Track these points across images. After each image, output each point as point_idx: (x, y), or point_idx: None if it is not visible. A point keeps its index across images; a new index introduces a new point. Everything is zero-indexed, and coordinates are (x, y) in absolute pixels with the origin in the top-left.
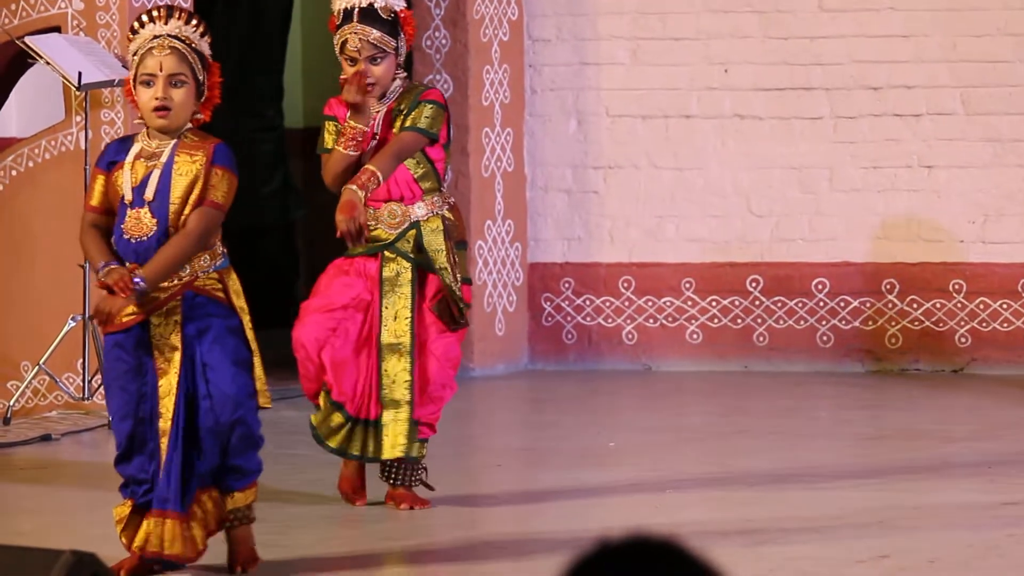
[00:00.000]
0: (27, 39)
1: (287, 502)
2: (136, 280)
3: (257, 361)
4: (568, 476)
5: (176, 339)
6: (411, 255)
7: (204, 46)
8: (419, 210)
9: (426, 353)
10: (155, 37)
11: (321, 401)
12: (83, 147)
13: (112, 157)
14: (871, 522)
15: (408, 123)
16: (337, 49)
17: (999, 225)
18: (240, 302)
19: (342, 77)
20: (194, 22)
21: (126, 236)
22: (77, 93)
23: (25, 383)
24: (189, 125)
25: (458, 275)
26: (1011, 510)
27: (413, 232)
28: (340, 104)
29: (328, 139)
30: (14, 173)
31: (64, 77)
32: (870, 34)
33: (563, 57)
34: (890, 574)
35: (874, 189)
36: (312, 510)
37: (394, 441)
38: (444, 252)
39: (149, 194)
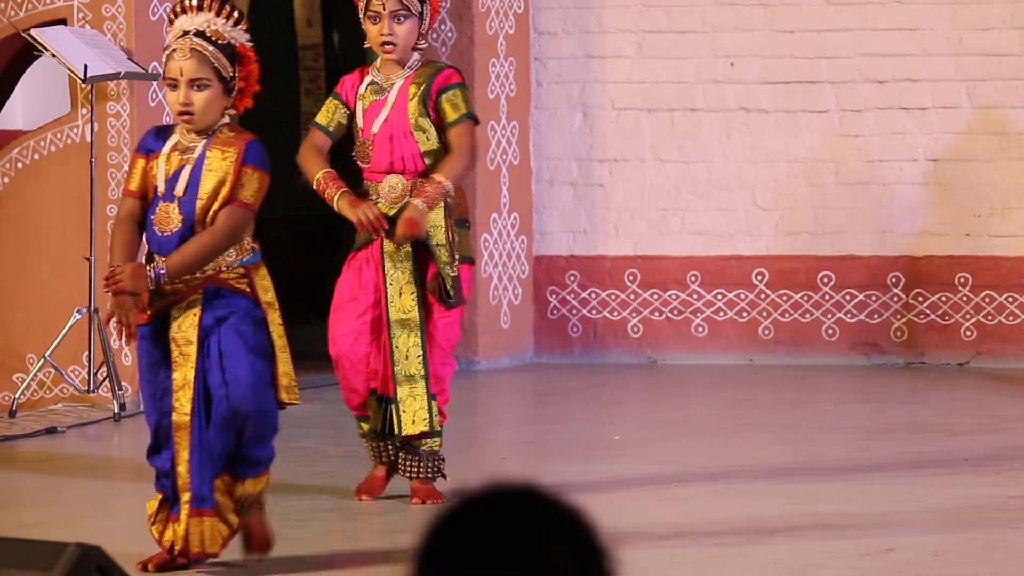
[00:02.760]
0: (33, 31)
1: (293, 495)
2: (160, 271)
3: (285, 357)
4: (573, 469)
5: (192, 333)
6: None
7: (238, 36)
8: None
9: (427, 333)
10: (180, 36)
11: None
12: (89, 140)
13: (150, 145)
14: (876, 515)
15: (454, 116)
16: (361, 11)
17: (1005, 219)
18: (267, 297)
19: (366, 44)
20: (226, 11)
21: (155, 227)
22: (83, 85)
23: (31, 376)
24: (226, 119)
25: (456, 254)
26: (1016, 503)
27: None
28: (351, 84)
29: (324, 115)
30: (20, 166)
31: (70, 69)
32: (876, 27)
33: (569, 50)
34: (895, 567)
35: (880, 182)
36: (318, 503)
37: (413, 416)
38: (443, 229)
39: (179, 189)
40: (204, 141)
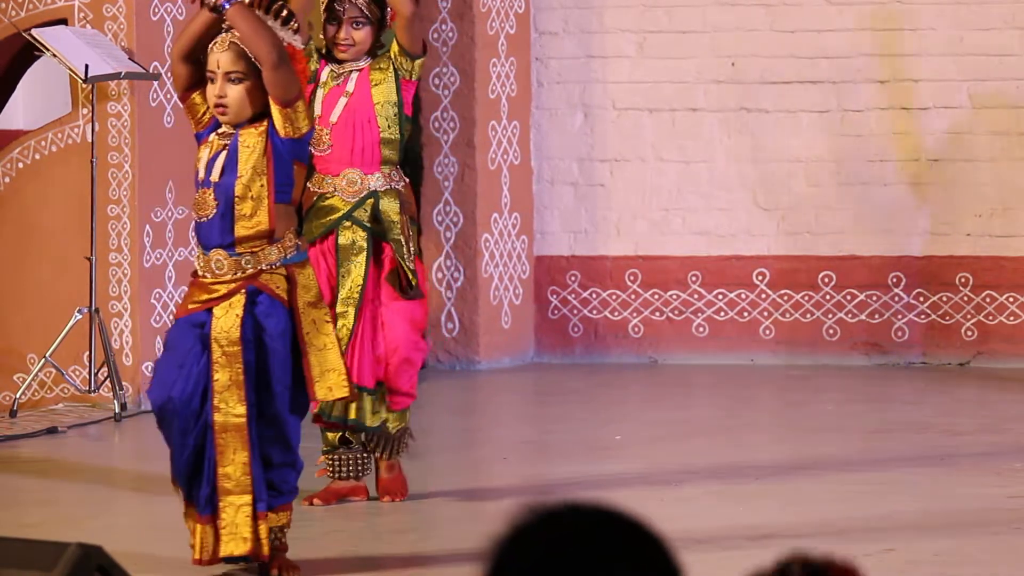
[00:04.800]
0: (34, 31)
1: None
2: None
3: (325, 355)
4: (574, 469)
5: (236, 332)
6: (367, 224)
7: (284, 35)
8: (377, 181)
9: (390, 320)
10: (227, 30)
11: None
12: (90, 140)
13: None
14: (876, 515)
15: (393, 46)
16: (322, 11)
17: (1005, 219)
18: (308, 297)
19: (320, 38)
20: (275, 9)
21: (194, 212)
22: (84, 85)
23: (31, 376)
24: None
25: (411, 247)
26: (1017, 503)
27: (371, 201)
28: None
29: None
30: (20, 166)
31: (71, 69)
32: (877, 27)
33: (569, 50)
34: (896, 567)
35: (880, 182)
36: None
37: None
38: (399, 224)
39: (215, 175)
40: (239, 126)
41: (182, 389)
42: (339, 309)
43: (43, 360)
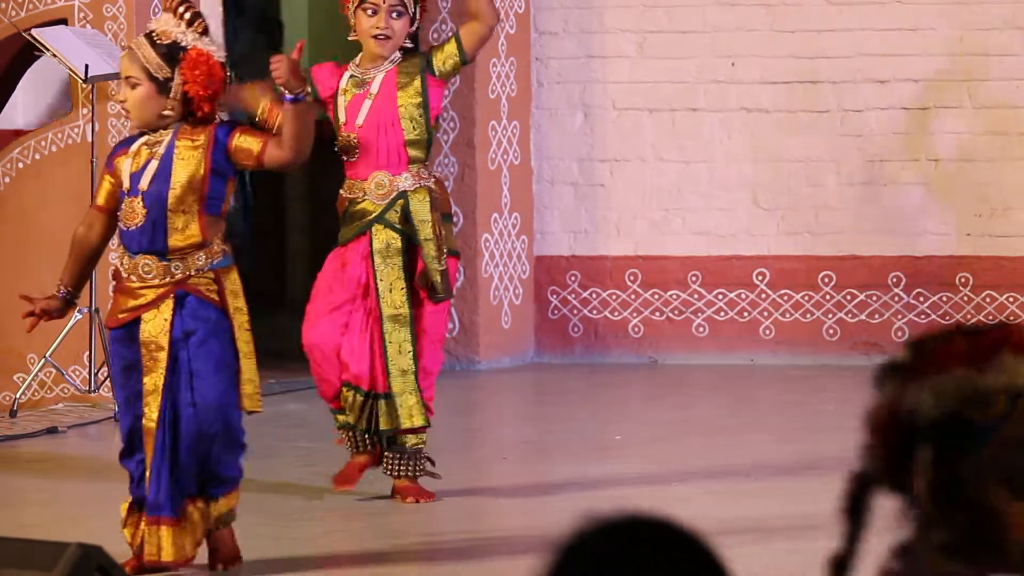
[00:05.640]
0: (34, 31)
1: (292, 495)
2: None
3: (250, 364)
4: (574, 469)
5: (163, 338)
6: (398, 226)
7: (187, 38)
8: (406, 181)
9: (418, 329)
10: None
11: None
12: (90, 139)
13: (114, 153)
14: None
15: (453, 45)
16: (354, 2)
17: (1006, 219)
18: (237, 302)
19: (351, 35)
20: (179, 13)
21: (121, 224)
22: (83, 85)
23: (31, 376)
24: (168, 115)
25: (444, 247)
26: None
27: (401, 202)
28: (325, 79)
29: None
30: (20, 166)
31: (71, 69)
32: (877, 27)
33: (569, 50)
34: None
35: (880, 182)
36: (317, 503)
37: (410, 411)
38: (430, 223)
39: (144, 183)
40: (171, 133)
41: (141, 406)
42: (387, 312)
43: (43, 360)
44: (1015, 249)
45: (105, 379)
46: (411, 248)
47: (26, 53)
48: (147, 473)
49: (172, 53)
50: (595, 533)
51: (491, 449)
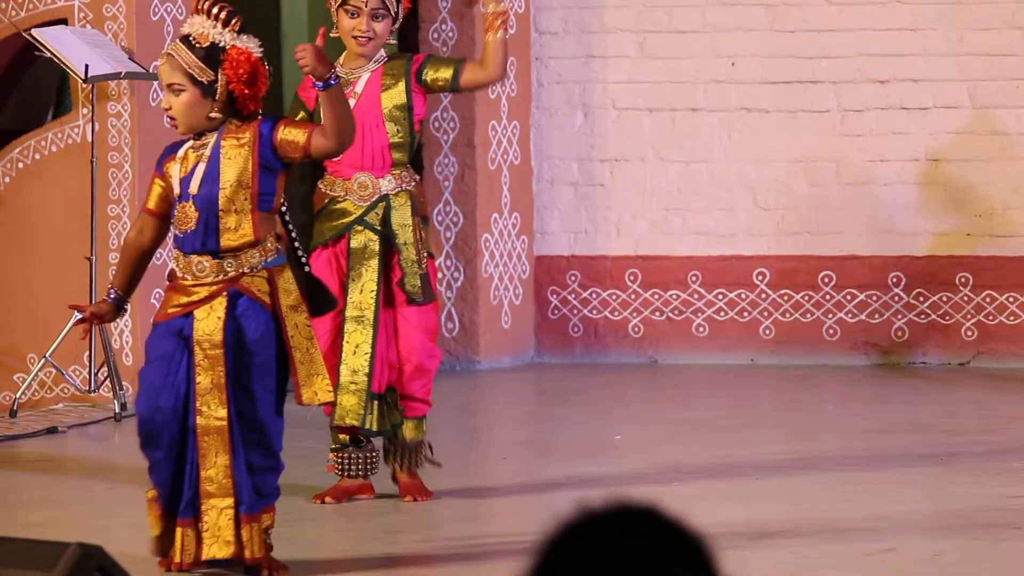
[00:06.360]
0: (34, 31)
1: (293, 495)
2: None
3: (307, 359)
4: (574, 469)
5: (218, 335)
6: (378, 228)
7: (225, 38)
8: (388, 184)
9: (404, 327)
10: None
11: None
12: (90, 139)
13: (163, 158)
14: (877, 515)
15: (448, 69)
16: (336, 2)
17: (1005, 218)
18: (290, 300)
19: (333, 32)
20: (214, 12)
21: (175, 229)
22: (83, 85)
23: (31, 376)
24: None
25: (423, 251)
26: (1018, 503)
27: (382, 205)
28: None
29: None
30: (20, 166)
31: (71, 69)
32: (877, 27)
33: (569, 50)
34: (897, 567)
35: (880, 182)
36: (317, 503)
37: (346, 410)
38: (410, 227)
39: (193, 187)
40: (216, 135)
41: (168, 398)
42: (351, 313)
43: (43, 360)
44: (1015, 249)
45: (105, 379)
46: (388, 250)
47: (26, 53)
48: (207, 472)
49: (212, 55)
50: (583, 521)
51: (491, 449)
